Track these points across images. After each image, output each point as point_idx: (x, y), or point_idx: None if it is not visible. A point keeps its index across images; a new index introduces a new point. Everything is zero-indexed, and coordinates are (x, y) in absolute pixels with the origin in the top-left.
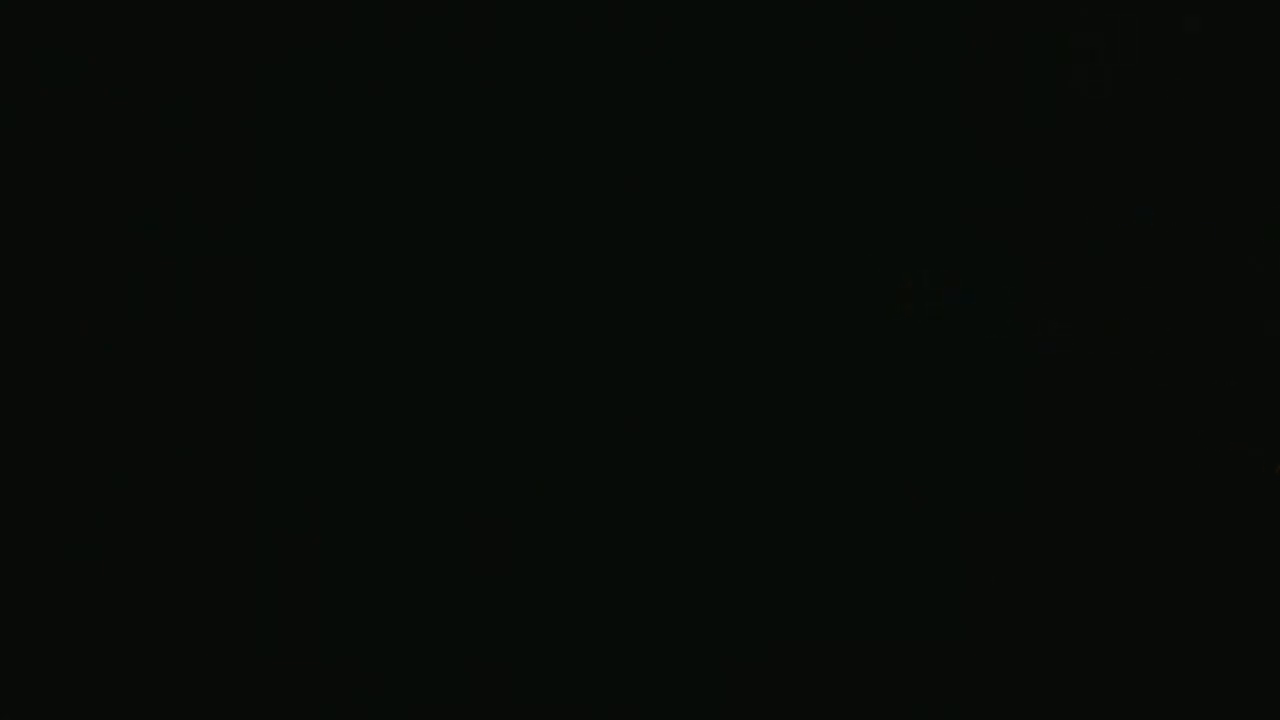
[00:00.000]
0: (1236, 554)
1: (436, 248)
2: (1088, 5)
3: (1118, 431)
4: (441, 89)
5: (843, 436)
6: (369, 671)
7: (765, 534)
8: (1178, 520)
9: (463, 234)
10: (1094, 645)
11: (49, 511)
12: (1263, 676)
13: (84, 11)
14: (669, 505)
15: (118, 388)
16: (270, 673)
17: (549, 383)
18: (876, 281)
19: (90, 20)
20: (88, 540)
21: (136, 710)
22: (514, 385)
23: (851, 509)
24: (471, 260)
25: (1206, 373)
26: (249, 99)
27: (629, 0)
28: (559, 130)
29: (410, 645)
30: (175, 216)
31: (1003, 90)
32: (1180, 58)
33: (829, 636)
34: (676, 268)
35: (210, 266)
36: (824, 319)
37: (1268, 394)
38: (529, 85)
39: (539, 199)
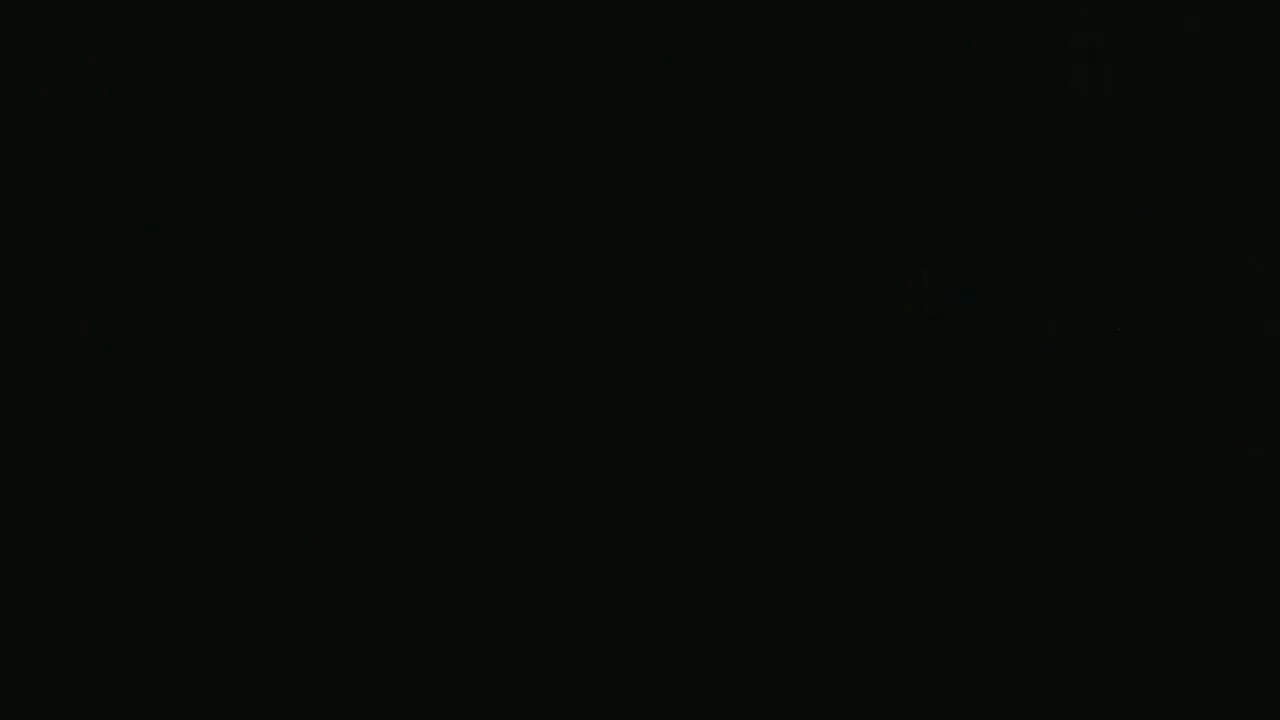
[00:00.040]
0: (1236, 554)
1: (436, 247)
2: (1088, 5)
3: (1118, 431)
4: (441, 89)
5: (842, 436)
6: (369, 671)
7: (765, 534)
8: (1178, 520)
9: (462, 234)
10: (1094, 645)
11: (49, 511)
12: (1263, 676)
13: (84, 11)
14: (669, 505)
15: (118, 388)
16: (270, 673)
17: (549, 382)
18: (876, 281)
19: (90, 20)
20: (88, 540)
21: (137, 710)
22: (514, 385)
23: (851, 509)
24: (471, 260)
25: (1206, 373)
26: (249, 99)
27: (629, 0)
28: (559, 130)
29: (410, 645)
30: (175, 216)
31: (1003, 90)
32: (1180, 58)
33: (829, 636)
34: (676, 268)
35: (210, 266)
36: (824, 319)
37: (1268, 394)
38: (529, 85)
39: (539, 199)
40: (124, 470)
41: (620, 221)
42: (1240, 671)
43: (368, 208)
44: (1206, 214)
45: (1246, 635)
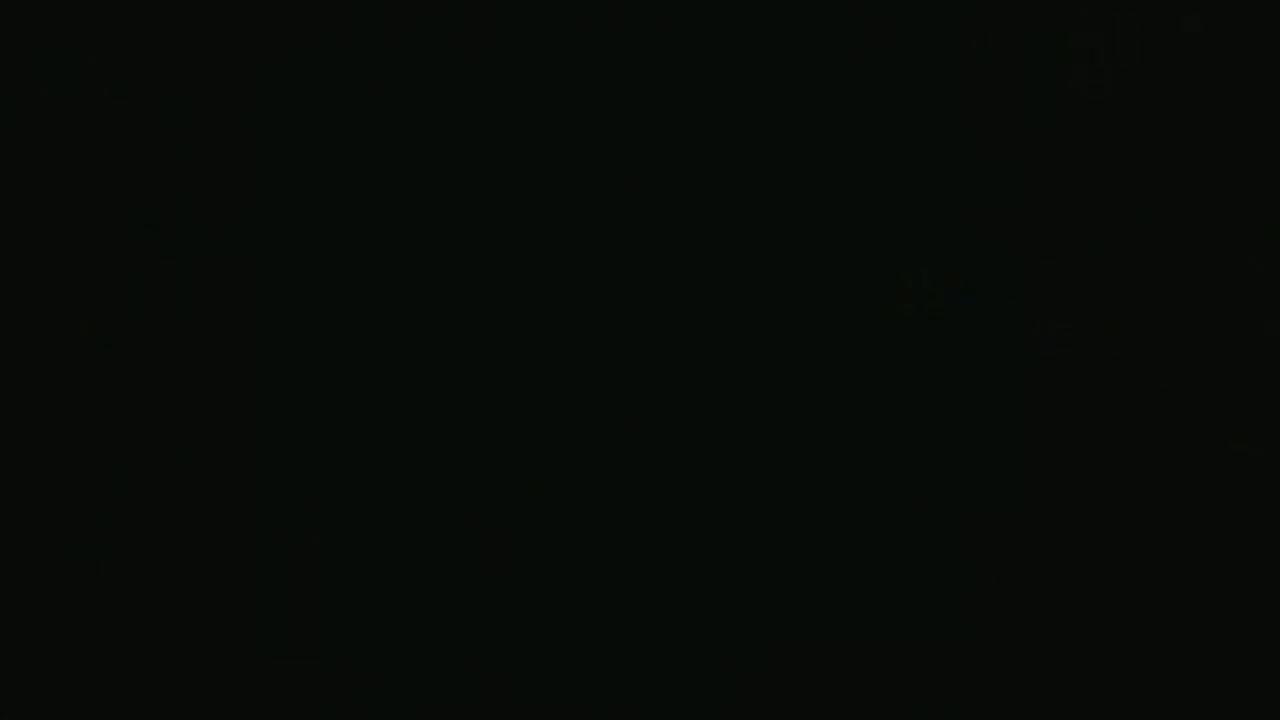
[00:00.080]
0: (1236, 554)
1: (436, 247)
2: (1088, 5)
3: (1118, 431)
4: (441, 89)
5: (842, 437)
6: (369, 671)
7: (765, 534)
8: (1178, 520)
9: (462, 234)
10: (1094, 645)
11: (49, 511)
12: (1263, 676)
13: (84, 11)
14: (669, 505)
15: (118, 388)
16: (270, 673)
17: (549, 382)
18: (876, 281)
19: (90, 20)
20: (88, 540)
21: (137, 710)
22: (514, 385)
23: (851, 509)
24: (471, 260)
25: (1206, 373)
26: (249, 99)
27: (629, 0)
28: (559, 130)
29: (410, 645)
30: (175, 216)
31: (1003, 90)
32: (1180, 58)
33: (829, 636)
34: (676, 268)
35: (210, 266)
36: (824, 319)
37: (1268, 394)
38: (529, 85)
39: (539, 199)
40: (124, 470)
41: (620, 221)
42: (1240, 671)
43: (368, 208)
44: (1206, 214)
45: (1246, 635)
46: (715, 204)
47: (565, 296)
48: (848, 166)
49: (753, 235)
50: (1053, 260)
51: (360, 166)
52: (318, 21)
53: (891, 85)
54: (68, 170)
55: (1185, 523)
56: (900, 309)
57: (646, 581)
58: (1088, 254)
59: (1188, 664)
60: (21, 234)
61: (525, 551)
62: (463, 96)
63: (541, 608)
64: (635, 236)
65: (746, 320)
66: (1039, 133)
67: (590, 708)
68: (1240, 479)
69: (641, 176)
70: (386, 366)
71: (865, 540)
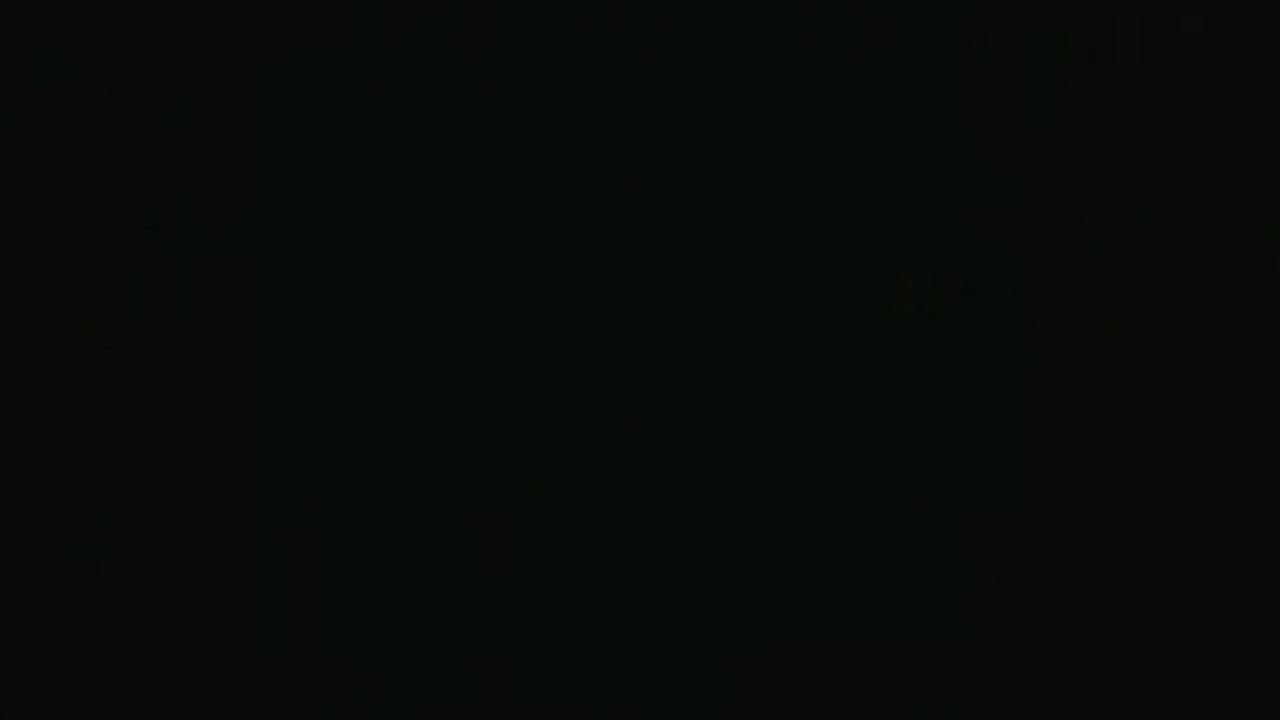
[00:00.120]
0: (1236, 554)
1: (436, 247)
2: (1088, 5)
3: (1118, 431)
4: (441, 89)
5: (842, 437)
6: (369, 671)
7: (765, 534)
8: (1178, 520)
9: (462, 234)
10: (1094, 645)
11: (49, 511)
12: (1263, 676)
13: (84, 11)
14: (669, 505)
15: (118, 388)
16: (270, 673)
17: (549, 382)
18: (876, 281)
19: (90, 20)
20: (88, 540)
21: (137, 710)
22: (514, 385)
23: (851, 509)
24: (471, 260)
25: (1206, 373)
26: (249, 99)
27: (629, 0)
28: (559, 130)
29: (410, 645)
30: (175, 216)
31: (1003, 90)
32: (1180, 58)
33: (829, 636)
34: (676, 268)
35: (210, 266)
36: (824, 319)
37: (1268, 394)
38: (529, 85)
39: (539, 199)
40: (124, 470)
41: (620, 221)
42: (1240, 671)
43: (367, 208)
44: (1206, 214)
45: (1246, 635)
46: (715, 204)
47: (565, 296)
48: (848, 166)
49: (753, 235)
50: (1053, 260)
51: (360, 166)
52: (318, 21)
53: (891, 85)
54: (68, 170)
55: (1185, 522)
56: (900, 309)
57: (646, 581)
58: (1088, 254)
59: (1188, 664)
60: (21, 234)
61: (525, 551)
62: (463, 96)
63: (541, 608)
64: (635, 236)
65: (747, 320)
66: (1039, 133)
67: (590, 708)
68: (1240, 479)
69: (641, 176)
70: (386, 366)
71: (865, 540)
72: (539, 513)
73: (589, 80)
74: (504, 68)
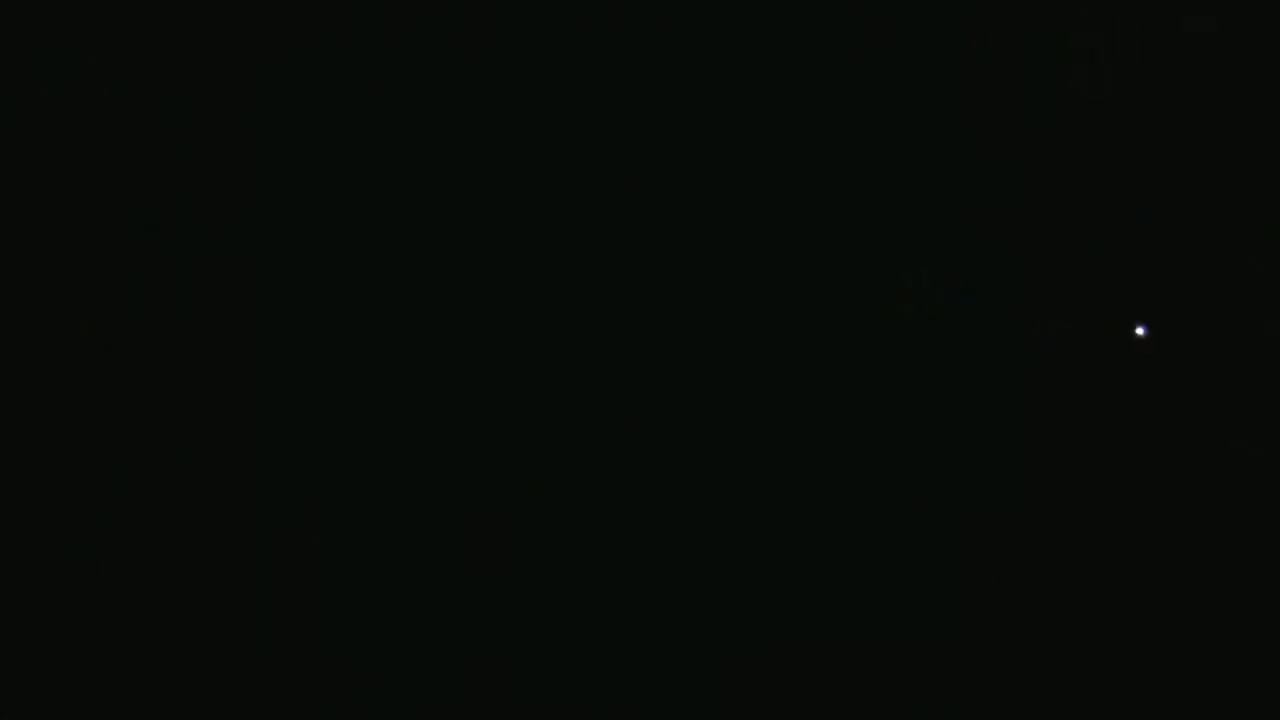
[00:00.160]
0: (1236, 554)
1: (436, 247)
2: (1088, 5)
3: (1117, 431)
4: (441, 89)
5: (843, 436)
6: (369, 671)
7: (765, 533)
8: (1178, 520)
9: (463, 234)
10: (1094, 645)
11: (49, 511)
12: (1263, 676)
13: (84, 11)
14: (669, 505)
15: (118, 388)
16: (270, 673)
17: (549, 382)
18: (876, 281)
19: (90, 20)
20: (88, 540)
21: (137, 710)
22: (514, 385)
23: (852, 509)
24: (471, 260)
25: (1206, 373)
26: (249, 99)
27: (629, 0)
28: (559, 130)
29: (410, 645)
30: (175, 216)
31: (1003, 90)
32: (1180, 58)
33: (829, 636)
34: (677, 268)
35: (210, 266)
36: (824, 319)
37: (1268, 394)
38: (529, 85)
39: (539, 199)
40: (124, 470)
41: (620, 221)
42: (1240, 671)
43: (367, 208)
44: (1206, 214)
45: (1246, 635)
46: (716, 204)
47: (565, 296)
48: (848, 167)
49: (753, 235)
50: (1053, 260)
51: (360, 166)
52: (318, 21)
53: (891, 85)
54: (68, 170)
55: (1185, 522)
56: (900, 309)
57: (646, 581)
58: (1088, 254)
59: (1188, 663)
60: (22, 234)
61: (525, 551)
62: (463, 96)
63: (541, 608)
64: (635, 237)
65: (747, 320)
66: (1039, 133)
67: (590, 708)
68: (1240, 479)
69: (642, 177)
70: (386, 366)
71: (865, 540)
72: (539, 513)
73: (589, 80)
74: (504, 68)
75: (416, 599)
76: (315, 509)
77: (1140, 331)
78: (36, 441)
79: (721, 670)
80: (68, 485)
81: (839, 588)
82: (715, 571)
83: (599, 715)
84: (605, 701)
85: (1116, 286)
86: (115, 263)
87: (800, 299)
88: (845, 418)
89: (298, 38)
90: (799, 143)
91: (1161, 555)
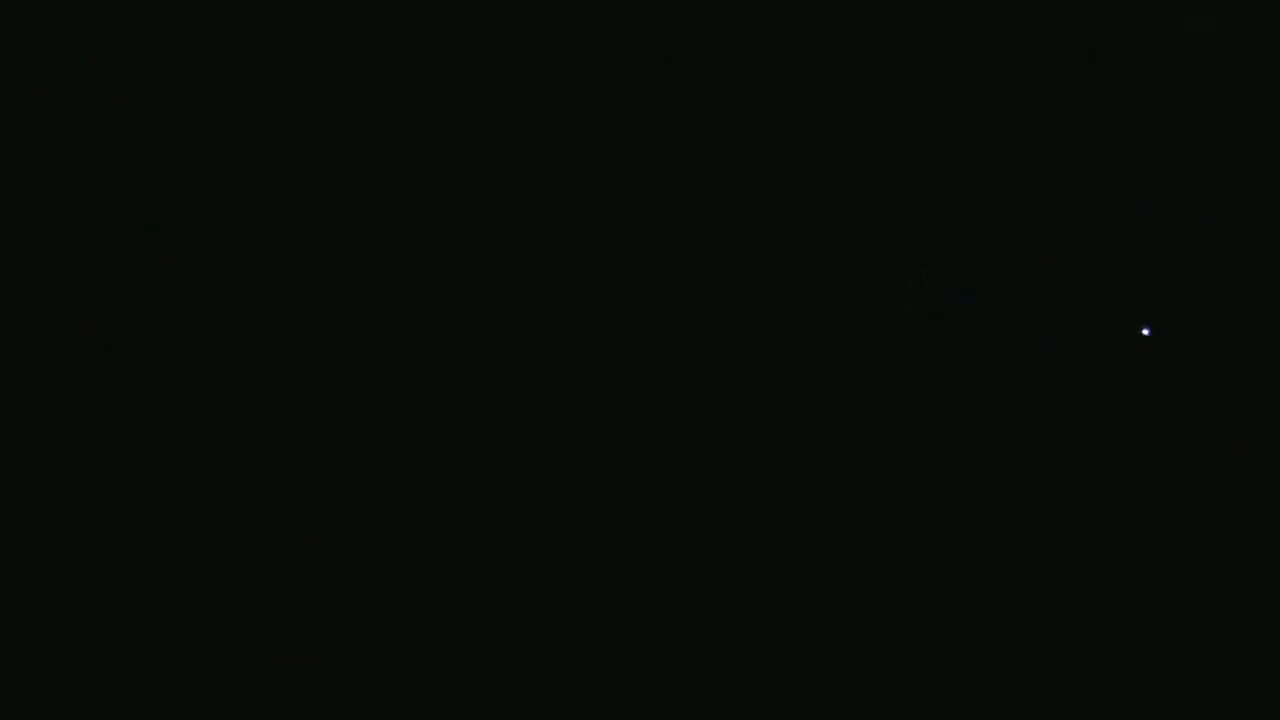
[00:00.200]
0: (1236, 554)
1: (436, 247)
2: (1088, 5)
3: (1117, 431)
4: (441, 89)
5: (843, 436)
6: (369, 671)
7: (765, 533)
8: (1178, 520)
9: (463, 234)
10: (1094, 645)
11: (49, 511)
12: (1263, 676)
13: (84, 11)
14: (669, 505)
15: (118, 388)
16: (270, 673)
17: (549, 382)
18: (876, 281)
19: (90, 20)
20: (88, 540)
21: (137, 710)
22: (514, 385)
23: (852, 509)
24: (471, 260)
25: (1206, 373)
26: (249, 99)
27: (629, 0)
28: (559, 130)
29: (410, 645)
30: (175, 216)
31: (1003, 90)
32: (1180, 58)
33: (829, 636)
34: (677, 268)
35: (210, 266)
36: (824, 319)
37: (1268, 394)
38: (529, 85)
39: (539, 199)
40: (124, 470)
41: (620, 221)
42: (1240, 671)
43: (367, 208)
44: (1206, 214)
45: (1246, 635)
46: (716, 204)
47: (565, 296)
48: (848, 167)
49: (753, 236)
50: (1053, 260)
51: (360, 166)
52: (318, 21)
53: (892, 85)
54: (68, 170)
55: (1185, 522)
56: (900, 309)
57: (646, 581)
58: (1088, 254)
59: (1188, 663)
60: (22, 234)
61: (525, 551)
62: (463, 96)
63: (541, 608)
64: (636, 237)
65: (747, 320)
66: (1039, 133)
67: (590, 708)
68: (1240, 479)
69: (642, 177)
70: (386, 367)
71: (865, 540)
72: (539, 513)
73: (589, 80)
74: (504, 68)
75: (416, 599)
76: (315, 509)
77: (1146, 332)
78: (37, 441)
79: (721, 670)
80: (68, 485)
81: (839, 587)
82: (715, 571)
83: (599, 715)
84: (605, 701)
85: (1116, 287)
86: (115, 263)
87: (800, 299)
88: (845, 417)
89: (298, 38)
90: (799, 142)
91: (1162, 555)
